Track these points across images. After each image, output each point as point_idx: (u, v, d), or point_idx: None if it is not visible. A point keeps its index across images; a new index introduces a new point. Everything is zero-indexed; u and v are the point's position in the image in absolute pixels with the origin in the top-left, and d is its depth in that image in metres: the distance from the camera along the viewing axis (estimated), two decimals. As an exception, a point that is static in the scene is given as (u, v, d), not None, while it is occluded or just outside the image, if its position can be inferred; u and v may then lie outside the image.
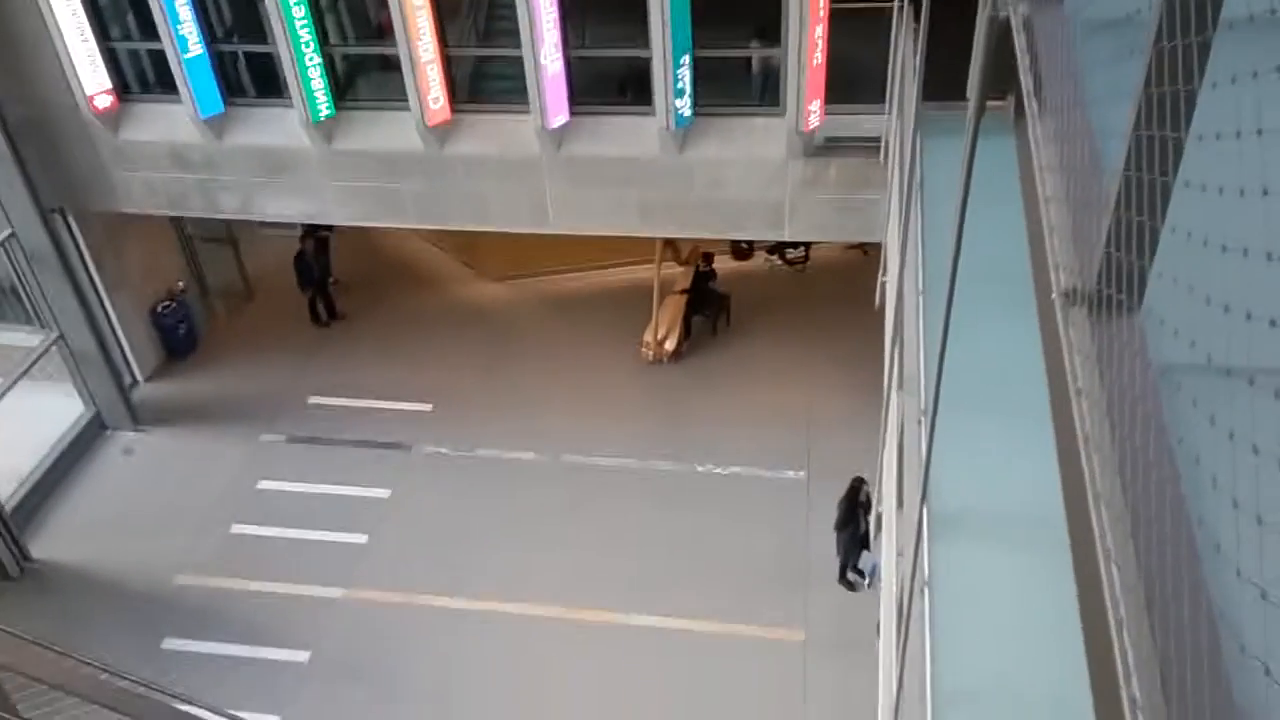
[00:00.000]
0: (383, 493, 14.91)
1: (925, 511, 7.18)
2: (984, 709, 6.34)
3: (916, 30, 8.88)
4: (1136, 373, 2.31)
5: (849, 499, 12.39)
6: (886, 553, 8.85)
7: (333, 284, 18.10)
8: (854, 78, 12.68)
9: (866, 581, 11.88)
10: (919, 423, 8.45)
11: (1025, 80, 3.46)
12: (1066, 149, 3.06)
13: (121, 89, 13.84)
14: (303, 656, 12.84)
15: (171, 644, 13.03)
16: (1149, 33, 2.38)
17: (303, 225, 17.23)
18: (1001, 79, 3.83)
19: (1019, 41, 3.63)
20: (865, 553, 11.89)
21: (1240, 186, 1.96)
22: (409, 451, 15.59)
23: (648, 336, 16.82)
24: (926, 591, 6.32)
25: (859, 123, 12.82)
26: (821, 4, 11.50)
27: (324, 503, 14.77)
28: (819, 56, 11.88)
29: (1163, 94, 2.29)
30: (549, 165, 13.23)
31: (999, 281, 6.04)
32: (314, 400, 16.53)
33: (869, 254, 17.80)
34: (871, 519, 10.39)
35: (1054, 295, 2.58)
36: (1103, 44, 2.87)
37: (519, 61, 12.36)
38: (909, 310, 9.00)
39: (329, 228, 17.50)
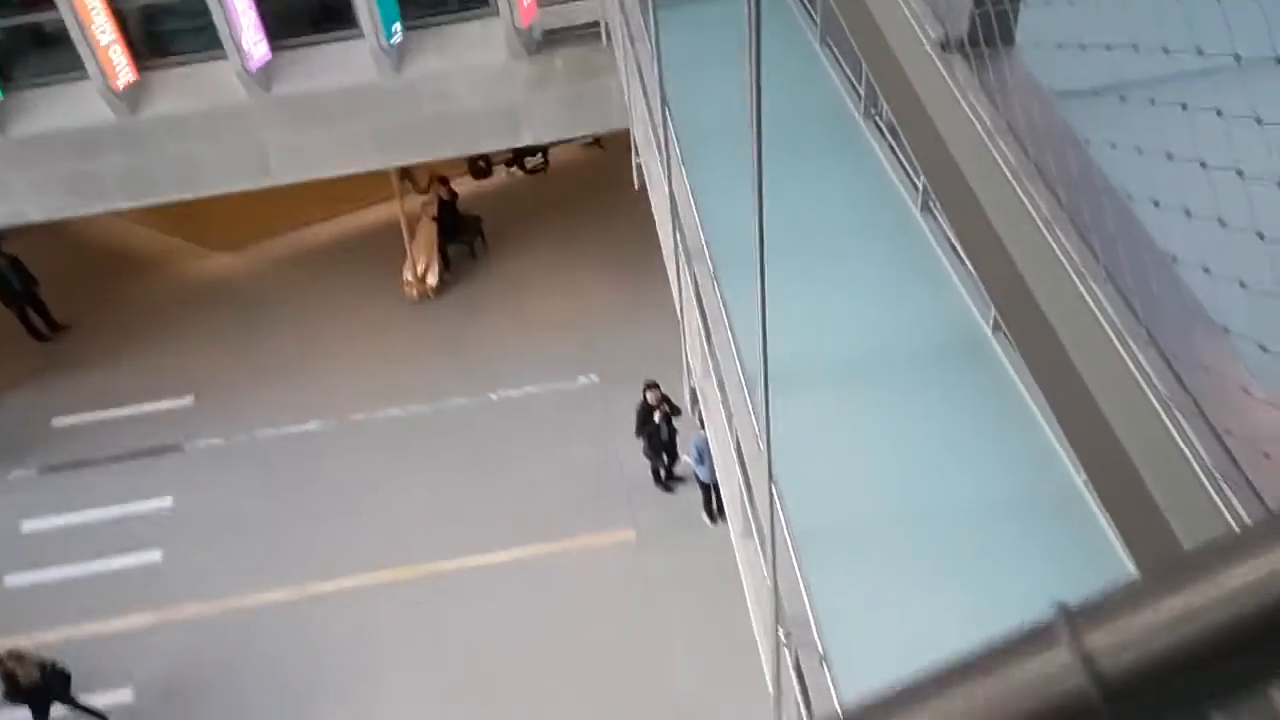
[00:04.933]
0: (165, 502, 13.73)
1: (740, 367, 7.18)
2: (846, 538, 6.48)
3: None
4: (1036, 100, 2.19)
5: (643, 404, 12.27)
6: (710, 423, 8.86)
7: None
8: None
9: (695, 460, 11.88)
10: (713, 285, 8.44)
11: None
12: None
13: None
14: (126, 696, 11.75)
15: (-30, 724, 11.66)
16: None
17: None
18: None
19: None
20: (693, 436, 11.71)
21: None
22: (181, 451, 14.40)
23: (408, 275, 16.13)
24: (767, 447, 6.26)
25: (573, 10, 12.53)
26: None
27: (103, 529, 13.45)
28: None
29: None
30: (262, 111, 12.22)
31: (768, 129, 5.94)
32: (60, 422, 14.93)
33: (605, 147, 17.74)
34: (686, 394, 10.37)
35: (927, 49, 2.41)
36: None
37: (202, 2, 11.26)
38: (677, 182, 8.91)
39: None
